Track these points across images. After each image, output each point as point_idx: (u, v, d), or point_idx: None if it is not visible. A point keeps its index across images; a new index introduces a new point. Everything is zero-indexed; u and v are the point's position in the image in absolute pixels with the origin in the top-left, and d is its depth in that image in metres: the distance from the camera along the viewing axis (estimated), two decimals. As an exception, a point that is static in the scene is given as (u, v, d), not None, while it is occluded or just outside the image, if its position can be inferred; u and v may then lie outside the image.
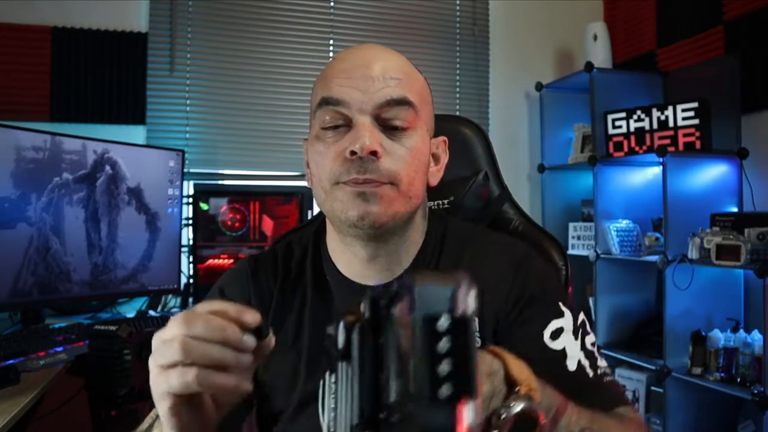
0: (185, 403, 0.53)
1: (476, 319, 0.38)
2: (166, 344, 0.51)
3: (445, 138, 0.82)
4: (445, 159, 0.82)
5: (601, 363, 0.73)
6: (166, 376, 0.51)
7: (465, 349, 0.35)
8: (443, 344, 0.34)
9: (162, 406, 0.53)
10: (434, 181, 0.80)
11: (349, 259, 0.78)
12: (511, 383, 0.53)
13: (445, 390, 0.34)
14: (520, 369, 0.54)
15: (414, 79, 0.75)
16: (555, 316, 0.73)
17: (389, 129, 0.71)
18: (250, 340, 0.52)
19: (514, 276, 0.76)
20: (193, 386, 0.50)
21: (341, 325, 0.43)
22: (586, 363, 0.71)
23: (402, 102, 0.71)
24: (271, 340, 0.54)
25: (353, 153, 0.68)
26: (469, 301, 0.36)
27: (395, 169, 0.70)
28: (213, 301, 0.54)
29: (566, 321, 0.74)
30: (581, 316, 0.76)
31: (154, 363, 0.52)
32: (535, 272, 0.78)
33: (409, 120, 0.72)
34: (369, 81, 0.70)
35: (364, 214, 0.70)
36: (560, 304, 0.75)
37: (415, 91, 0.74)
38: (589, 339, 0.75)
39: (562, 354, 0.71)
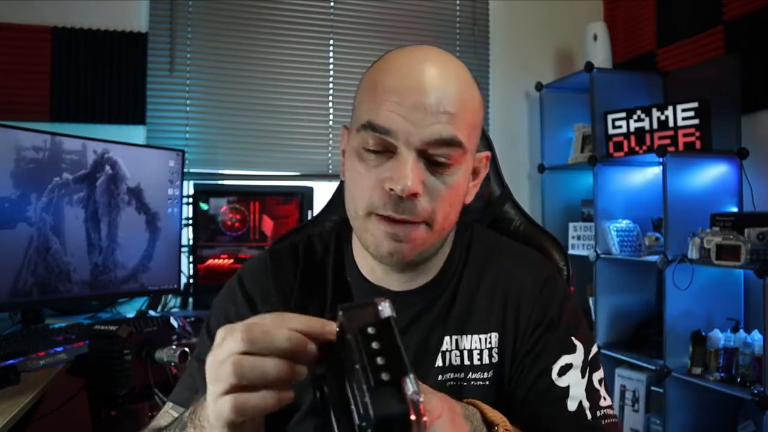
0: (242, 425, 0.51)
1: (394, 318, 0.46)
2: (221, 365, 0.48)
3: (489, 153, 0.79)
4: (484, 174, 0.79)
5: (604, 402, 0.74)
6: (221, 403, 0.48)
7: (393, 342, 0.44)
8: (375, 344, 0.43)
9: None
10: (470, 198, 0.77)
11: (373, 266, 0.78)
12: (489, 424, 0.61)
13: (384, 376, 0.42)
14: (493, 413, 0.62)
15: (469, 107, 0.69)
16: (566, 351, 0.74)
17: (433, 164, 0.68)
18: (313, 349, 0.48)
19: (537, 296, 0.77)
20: (248, 413, 0.48)
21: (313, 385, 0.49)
22: (586, 404, 0.72)
23: (451, 142, 0.67)
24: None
25: (392, 189, 0.66)
26: (387, 309, 0.46)
27: (432, 209, 0.68)
28: (283, 314, 0.51)
29: (576, 357, 0.74)
30: (593, 349, 0.77)
31: (210, 390, 0.50)
32: (558, 295, 0.78)
33: (455, 157, 0.68)
34: (421, 111, 0.65)
35: (394, 251, 0.69)
36: (573, 338, 0.75)
37: (467, 124, 0.69)
38: (597, 376, 0.76)
39: (565, 392, 0.72)
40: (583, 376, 0.74)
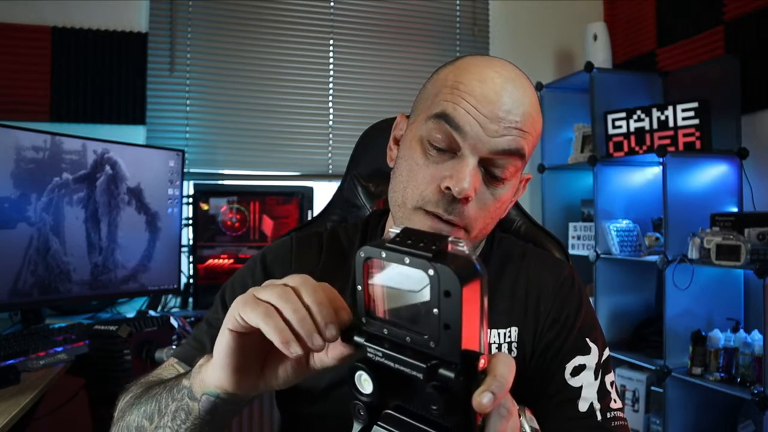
0: (243, 345, 0.51)
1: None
2: (273, 286, 0.49)
3: (531, 176, 0.81)
4: (521, 194, 0.80)
5: (615, 405, 0.75)
6: (242, 301, 0.49)
7: (422, 232, 0.43)
8: (409, 241, 0.42)
9: (224, 338, 0.51)
10: (505, 213, 0.79)
11: None
12: None
13: (434, 247, 0.40)
14: None
15: (537, 130, 0.72)
16: (581, 351, 0.76)
17: (489, 175, 0.70)
18: (332, 331, 0.48)
19: (556, 294, 0.78)
20: (262, 325, 0.48)
21: (360, 375, 0.44)
22: (597, 406, 0.73)
23: (515, 154, 0.69)
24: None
25: (448, 189, 0.67)
26: (396, 228, 0.44)
27: (476, 217, 0.70)
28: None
29: (590, 358, 0.76)
30: (606, 353, 0.78)
31: (249, 293, 0.50)
32: (576, 296, 0.80)
33: (511, 172, 0.70)
34: (495, 122, 0.67)
35: None
36: (588, 339, 0.77)
37: (531, 143, 0.71)
38: (609, 378, 0.77)
39: (577, 393, 0.73)
40: (596, 378, 0.75)
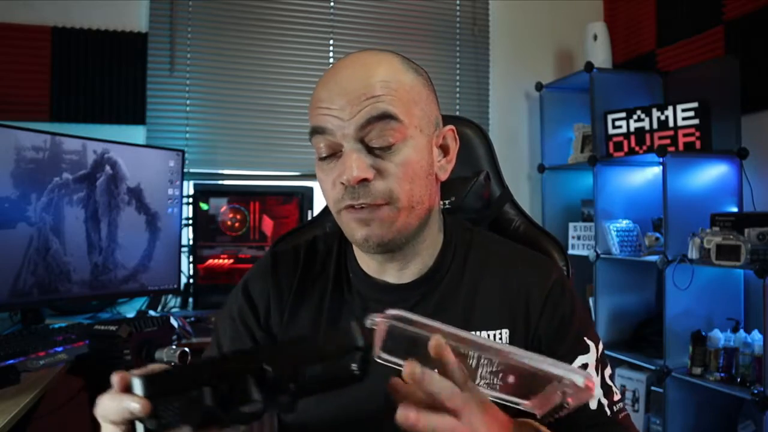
0: None
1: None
2: None
3: (453, 127, 0.80)
4: (455, 147, 0.80)
5: (617, 397, 0.77)
6: None
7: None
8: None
9: None
10: (444, 174, 0.78)
11: (368, 260, 0.80)
12: None
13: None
14: None
15: (396, 87, 0.71)
16: (582, 351, 0.76)
17: (376, 149, 0.71)
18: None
19: (547, 299, 0.77)
20: None
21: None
22: (605, 401, 0.75)
23: (382, 117, 0.69)
24: None
25: (343, 183, 0.70)
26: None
27: (389, 189, 0.70)
28: None
29: (590, 356, 0.76)
30: (600, 346, 0.79)
31: None
32: (568, 298, 0.79)
33: (395, 135, 0.70)
34: (347, 107, 0.69)
35: (368, 236, 0.72)
36: (586, 338, 0.77)
37: (399, 100, 0.71)
38: (607, 372, 0.78)
39: None
40: (597, 374, 0.76)
